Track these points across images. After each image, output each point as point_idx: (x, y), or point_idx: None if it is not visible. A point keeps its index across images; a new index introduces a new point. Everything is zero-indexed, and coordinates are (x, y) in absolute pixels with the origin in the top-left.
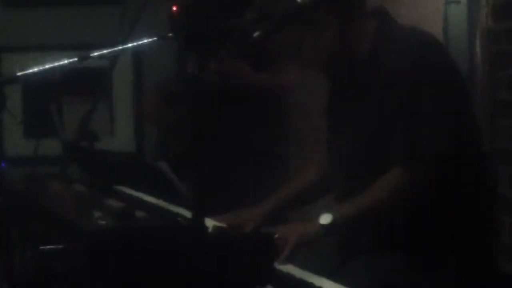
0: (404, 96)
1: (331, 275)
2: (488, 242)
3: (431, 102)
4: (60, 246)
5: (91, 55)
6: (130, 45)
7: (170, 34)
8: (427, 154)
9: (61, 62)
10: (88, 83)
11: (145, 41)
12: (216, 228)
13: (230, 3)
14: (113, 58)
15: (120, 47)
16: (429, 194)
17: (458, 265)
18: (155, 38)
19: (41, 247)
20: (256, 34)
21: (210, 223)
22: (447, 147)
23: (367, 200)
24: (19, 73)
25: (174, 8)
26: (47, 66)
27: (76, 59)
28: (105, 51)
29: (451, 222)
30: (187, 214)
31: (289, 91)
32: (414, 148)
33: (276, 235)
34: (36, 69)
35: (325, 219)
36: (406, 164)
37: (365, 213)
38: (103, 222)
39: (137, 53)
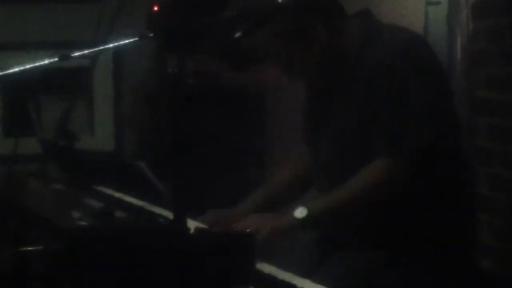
0: (389, 90)
1: (310, 273)
2: (466, 239)
3: (416, 95)
4: (39, 247)
5: (72, 55)
6: (111, 45)
7: (151, 34)
8: (410, 146)
9: (41, 62)
10: (68, 82)
11: (126, 41)
12: (198, 230)
13: (210, 2)
14: (94, 58)
15: (101, 47)
16: (408, 188)
17: (436, 262)
18: (136, 38)
19: (20, 248)
20: (237, 34)
21: (192, 224)
22: (429, 140)
23: (345, 193)
24: None
25: (155, 8)
26: (26, 66)
27: (56, 58)
28: (86, 51)
29: (429, 218)
30: (169, 215)
31: (269, 90)
32: (398, 140)
33: (248, 230)
34: (15, 69)
35: (301, 212)
36: (389, 155)
37: (342, 206)
38: (82, 222)
39: (117, 52)
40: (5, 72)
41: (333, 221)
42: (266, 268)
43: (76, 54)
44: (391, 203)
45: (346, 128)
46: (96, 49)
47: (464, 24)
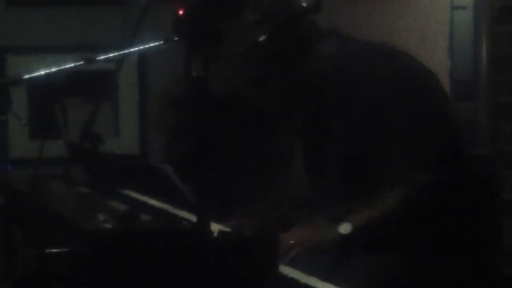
0: (384, 108)
1: (330, 276)
2: (489, 245)
3: (408, 108)
4: (64, 249)
5: (98, 58)
6: (136, 48)
7: (176, 37)
8: (432, 158)
9: (67, 65)
10: (93, 85)
11: (151, 44)
12: (221, 233)
13: (236, 5)
14: (119, 61)
15: (126, 50)
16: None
17: (458, 267)
18: (161, 42)
19: (45, 250)
20: (261, 38)
21: (215, 227)
22: (445, 149)
23: (386, 208)
24: (25, 75)
25: (180, 12)
26: (53, 69)
27: (82, 62)
28: (111, 55)
29: (451, 224)
30: (193, 218)
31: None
32: (418, 155)
33: (292, 241)
34: (42, 72)
35: (345, 228)
36: (416, 165)
37: (379, 224)
38: (107, 225)
39: (142, 55)
40: (32, 75)
41: (372, 237)
42: (289, 271)
43: (102, 57)
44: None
45: (340, 150)
46: (121, 52)
47: (490, 28)
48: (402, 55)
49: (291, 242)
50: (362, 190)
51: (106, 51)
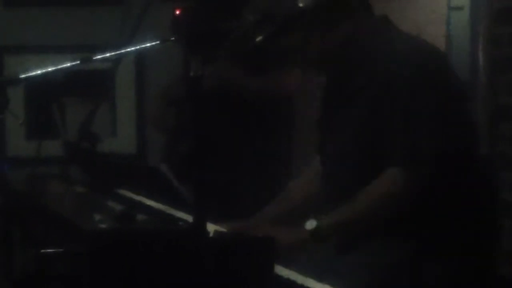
0: (401, 102)
1: (325, 275)
2: (489, 246)
3: (427, 103)
4: (61, 249)
5: (94, 57)
6: (133, 48)
7: (173, 37)
8: (425, 154)
9: (64, 64)
10: (91, 85)
11: (148, 44)
12: (217, 233)
13: (234, 5)
14: (116, 60)
15: (123, 50)
16: (427, 195)
17: (457, 268)
18: (158, 41)
19: (42, 250)
20: (258, 38)
21: (211, 227)
22: (445, 147)
23: (357, 206)
24: (22, 75)
25: (177, 12)
26: (49, 68)
27: (79, 61)
28: (108, 54)
29: (449, 225)
30: (189, 218)
31: (287, 95)
32: (412, 148)
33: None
34: (39, 71)
35: (310, 224)
36: (404, 164)
37: (355, 219)
38: (104, 225)
39: (139, 55)
40: (29, 75)
41: (344, 232)
42: (285, 272)
43: (98, 56)
44: (411, 210)
45: (356, 137)
46: (118, 52)
47: (487, 29)
48: (436, 57)
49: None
50: (364, 178)
51: (104, 51)
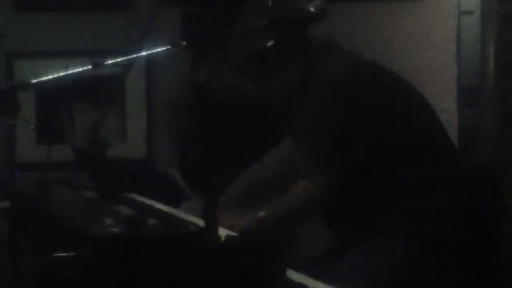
0: (315, 112)
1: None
2: (490, 251)
3: (336, 121)
4: (70, 253)
5: (105, 63)
6: (144, 53)
7: (183, 43)
8: (329, 163)
9: (75, 70)
10: (101, 90)
11: (159, 49)
12: (228, 237)
13: (241, 11)
14: (126, 66)
15: (133, 55)
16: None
17: (459, 274)
18: (168, 46)
19: (52, 254)
20: (270, 43)
21: (223, 232)
22: (354, 162)
23: (278, 208)
24: (33, 80)
25: (186, 17)
26: (60, 73)
27: (90, 66)
28: (118, 59)
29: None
30: (200, 222)
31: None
32: (318, 162)
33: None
34: (49, 76)
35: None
36: (309, 176)
37: (276, 219)
38: (113, 229)
39: (149, 60)
40: (39, 80)
41: (270, 231)
42: (296, 276)
43: (109, 62)
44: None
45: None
46: (129, 57)
47: (497, 34)
48: (379, 79)
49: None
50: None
51: (113, 56)
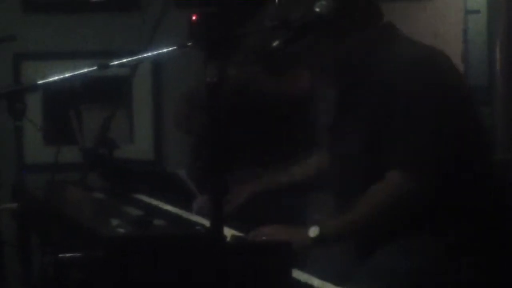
0: (400, 103)
1: (343, 281)
2: (500, 252)
3: (426, 107)
4: (79, 254)
5: (112, 63)
6: (150, 53)
7: (190, 43)
8: (425, 156)
9: (82, 70)
10: (108, 91)
11: (166, 49)
12: (234, 237)
13: (250, 11)
14: (134, 66)
15: (140, 56)
16: (442, 198)
17: (480, 273)
18: (175, 47)
19: (60, 255)
20: (275, 43)
21: (228, 232)
22: (447, 150)
23: (359, 213)
24: (40, 81)
25: (194, 17)
26: (67, 74)
27: (96, 67)
28: (125, 60)
29: (460, 229)
30: (206, 222)
31: (303, 97)
32: (412, 150)
33: (264, 238)
34: (56, 77)
35: (313, 231)
36: (404, 166)
37: (356, 225)
38: (121, 230)
39: (156, 61)
40: (46, 81)
41: (346, 237)
42: (303, 276)
43: (115, 63)
44: (428, 213)
45: (358, 141)
46: (135, 57)
47: (504, 32)
48: (437, 61)
49: (263, 238)
50: (364, 181)
51: (121, 57)
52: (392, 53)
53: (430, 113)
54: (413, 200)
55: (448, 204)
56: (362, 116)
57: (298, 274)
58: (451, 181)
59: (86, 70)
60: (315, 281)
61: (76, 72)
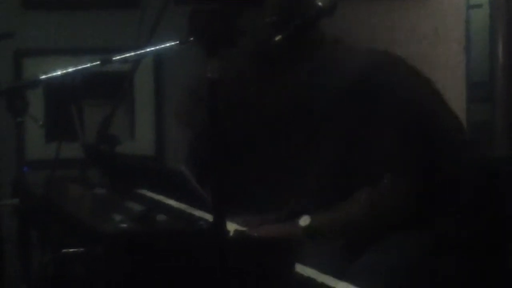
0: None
1: (341, 274)
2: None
3: (393, 111)
4: (80, 250)
5: (113, 58)
6: (152, 48)
7: (192, 38)
8: (410, 159)
9: (83, 66)
10: (109, 87)
11: (167, 44)
12: (237, 232)
13: (251, 6)
14: (135, 62)
15: (142, 51)
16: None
17: (472, 269)
18: (177, 42)
19: (62, 251)
20: (276, 39)
21: (231, 227)
22: (429, 158)
23: (351, 208)
24: (41, 77)
25: (194, 13)
26: (68, 70)
27: (98, 62)
28: (127, 55)
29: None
30: (208, 217)
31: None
32: (400, 159)
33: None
34: (57, 73)
35: (304, 220)
36: (395, 170)
37: (347, 220)
38: (123, 225)
39: (157, 57)
40: (48, 76)
41: (337, 233)
42: (305, 271)
43: (117, 57)
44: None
45: (332, 152)
46: (137, 53)
47: (507, 27)
48: (398, 66)
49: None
50: (342, 190)
51: (122, 53)
52: (347, 63)
53: (398, 115)
54: (405, 200)
55: (438, 199)
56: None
57: (301, 268)
58: (434, 179)
59: (88, 65)
60: (318, 275)
61: (78, 68)
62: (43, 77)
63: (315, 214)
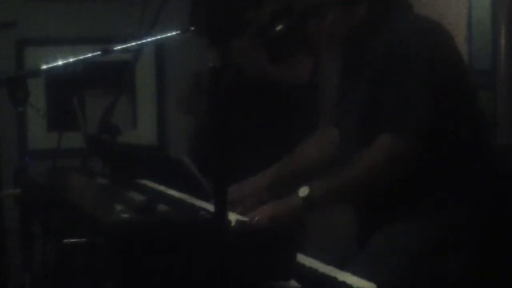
0: (397, 70)
1: (347, 264)
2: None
3: (422, 76)
4: (82, 239)
5: (115, 48)
6: (153, 38)
7: (193, 27)
8: (417, 122)
9: (85, 55)
10: (111, 77)
11: (168, 34)
12: (238, 222)
13: None
14: (137, 52)
15: (143, 40)
16: (415, 164)
17: (480, 257)
18: (178, 32)
19: (63, 240)
20: (278, 28)
21: (233, 217)
22: (429, 118)
23: (348, 173)
24: (43, 66)
25: (196, 2)
26: (70, 60)
27: (99, 52)
28: (128, 45)
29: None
30: (210, 207)
31: (300, 83)
32: (405, 115)
33: (257, 217)
34: (59, 62)
35: (303, 191)
36: (395, 130)
37: (345, 185)
38: (125, 215)
39: (159, 46)
40: (49, 66)
41: (337, 200)
42: (307, 261)
43: (119, 47)
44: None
45: (359, 108)
46: (138, 42)
47: (509, 15)
48: (436, 33)
49: (257, 218)
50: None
51: (124, 42)
52: (400, 20)
53: (424, 81)
54: (401, 163)
55: (445, 182)
56: (365, 78)
57: (302, 259)
58: (445, 156)
59: (90, 55)
60: (319, 266)
61: (79, 57)
62: (45, 67)
63: (312, 183)
